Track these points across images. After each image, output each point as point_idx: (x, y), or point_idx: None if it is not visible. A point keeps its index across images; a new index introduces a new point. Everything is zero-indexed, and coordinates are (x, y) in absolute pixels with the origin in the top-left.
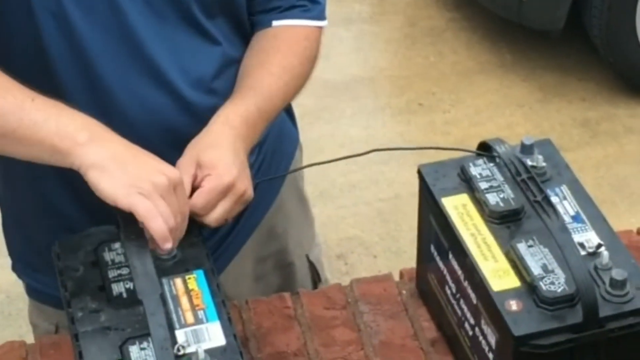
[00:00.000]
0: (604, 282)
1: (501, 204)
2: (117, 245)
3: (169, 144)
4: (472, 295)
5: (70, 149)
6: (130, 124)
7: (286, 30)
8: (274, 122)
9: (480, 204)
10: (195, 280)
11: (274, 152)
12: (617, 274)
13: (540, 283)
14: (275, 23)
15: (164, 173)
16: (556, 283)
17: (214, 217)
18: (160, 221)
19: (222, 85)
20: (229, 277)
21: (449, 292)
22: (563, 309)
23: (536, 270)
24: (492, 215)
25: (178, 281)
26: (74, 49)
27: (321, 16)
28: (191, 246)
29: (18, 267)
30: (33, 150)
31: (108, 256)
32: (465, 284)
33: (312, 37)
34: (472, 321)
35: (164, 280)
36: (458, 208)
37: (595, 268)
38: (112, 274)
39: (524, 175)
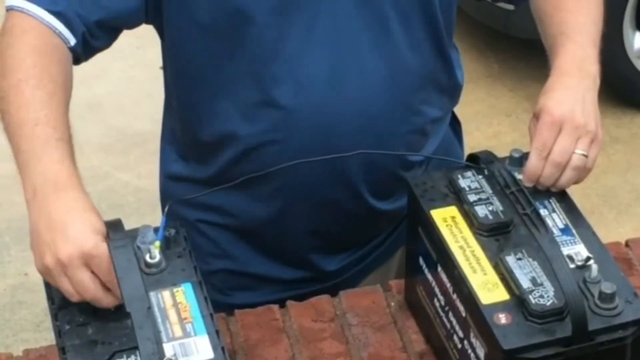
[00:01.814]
0: (593, 296)
1: (490, 217)
2: None
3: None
4: (461, 308)
5: (26, 196)
6: (322, 107)
7: None
8: (441, 140)
9: (469, 216)
10: (184, 293)
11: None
12: (606, 287)
13: (530, 296)
14: None
15: (72, 248)
16: (545, 296)
17: (556, 152)
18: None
19: (395, 90)
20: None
21: (437, 304)
22: (552, 323)
23: (525, 283)
24: (481, 227)
25: (166, 294)
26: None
27: None
28: (179, 258)
29: None
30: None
31: None
32: (454, 296)
33: None
34: (460, 334)
35: (152, 293)
36: (447, 220)
37: (585, 281)
38: None
39: (513, 188)
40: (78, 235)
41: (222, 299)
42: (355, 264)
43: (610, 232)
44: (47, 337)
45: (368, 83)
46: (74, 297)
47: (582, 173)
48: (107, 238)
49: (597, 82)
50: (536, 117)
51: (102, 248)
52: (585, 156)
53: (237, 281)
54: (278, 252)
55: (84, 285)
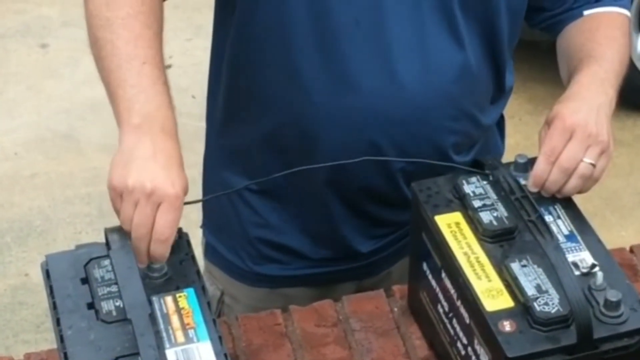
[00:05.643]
0: (598, 303)
1: (495, 223)
2: (106, 262)
3: (383, 131)
4: (465, 315)
5: (123, 121)
6: (358, 98)
7: (599, 15)
8: (487, 134)
9: (473, 222)
10: (186, 299)
11: None
12: (612, 294)
13: (534, 303)
14: (586, 12)
15: (153, 185)
16: (550, 304)
17: (565, 157)
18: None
19: (454, 90)
20: (393, 275)
21: (441, 310)
22: (557, 330)
23: (530, 290)
24: (485, 233)
25: (169, 299)
26: (314, 18)
27: (628, 7)
28: (182, 264)
29: (206, 223)
30: (109, 95)
31: (98, 273)
32: (458, 303)
33: (625, 23)
34: (464, 340)
35: (155, 299)
36: (451, 226)
37: (590, 289)
38: (101, 291)
39: (518, 194)
40: (170, 180)
41: (253, 267)
42: (387, 247)
43: (613, 235)
44: (47, 338)
45: (429, 75)
46: (126, 225)
47: (588, 182)
48: (108, 245)
49: (612, 105)
50: (548, 124)
51: (180, 205)
52: (593, 165)
53: (271, 253)
54: (313, 226)
55: (143, 218)
